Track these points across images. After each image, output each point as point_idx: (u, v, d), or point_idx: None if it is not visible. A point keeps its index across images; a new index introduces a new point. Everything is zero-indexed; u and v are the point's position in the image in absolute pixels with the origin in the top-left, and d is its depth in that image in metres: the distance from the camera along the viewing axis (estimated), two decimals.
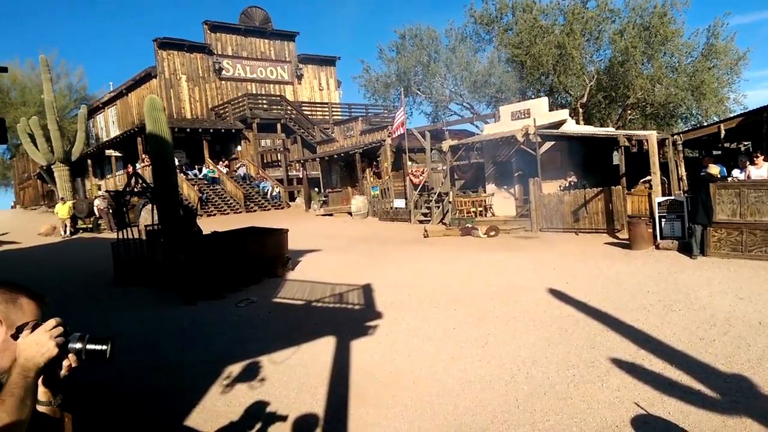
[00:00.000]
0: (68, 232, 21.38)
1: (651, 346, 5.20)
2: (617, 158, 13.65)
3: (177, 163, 18.94)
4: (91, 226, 22.24)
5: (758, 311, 5.98)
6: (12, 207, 42.77)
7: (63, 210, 21.58)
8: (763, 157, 10.44)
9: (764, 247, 8.73)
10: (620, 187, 12.94)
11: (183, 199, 19.67)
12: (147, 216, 14.57)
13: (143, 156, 25.06)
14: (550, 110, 17.04)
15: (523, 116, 16.40)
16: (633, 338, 5.43)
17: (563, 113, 16.70)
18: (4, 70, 8.30)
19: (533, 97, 23.83)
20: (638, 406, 3.97)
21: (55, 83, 29.46)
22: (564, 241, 12.67)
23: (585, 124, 22.12)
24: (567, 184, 15.30)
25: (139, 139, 25.54)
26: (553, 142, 15.53)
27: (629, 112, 27.51)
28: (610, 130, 17.68)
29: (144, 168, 23.18)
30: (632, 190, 13.06)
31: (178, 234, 9.39)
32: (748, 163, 10.60)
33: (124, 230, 10.89)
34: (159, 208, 10.48)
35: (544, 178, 14.90)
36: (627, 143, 13.22)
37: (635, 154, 14.22)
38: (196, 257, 8.90)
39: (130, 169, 24.51)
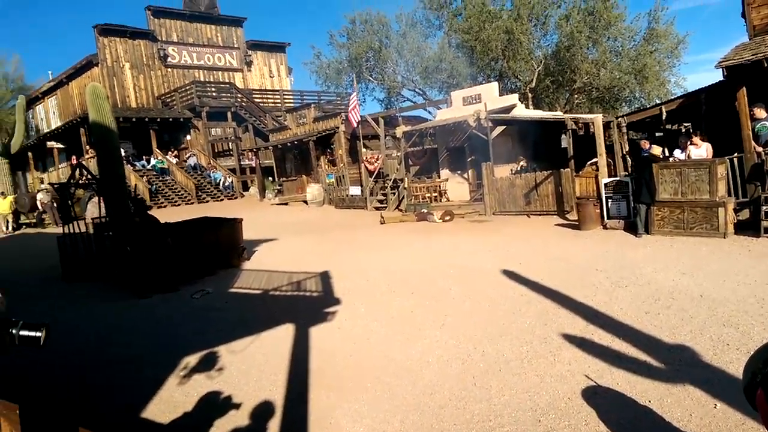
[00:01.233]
0: (11, 228, 20.47)
1: (600, 321, 5.42)
2: (565, 141, 14.03)
3: (123, 153, 18.35)
4: (34, 221, 21.32)
5: (699, 285, 6.31)
6: None
7: (4, 205, 20.62)
8: (701, 138, 10.94)
9: (704, 224, 9.18)
10: (569, 169, 13.31)
11: (131, 191, 19.10)
12: (94, 209, 14.08)
13: (87, 147, 24.15)
14: (500, 95, 17.30)
15: (474, 101, 16.60)
16: (583, 314, 5.66)
17: (513, 98, 17.00)
18: None
19: (484, 82, 24.10)
20: (588, 378, 4.16)
21: None
22: (517, 223, 12.97)
23: (534, 108, 22.57)
24: (518, 168, 15.63)
25: (82, 129, 24.57)
26: (504, 127, 15.80)
27: (576, 96, 28.20)
28: (558, 114, 18.12)
29: (89, 159, 22.33)
30: (580, 172, 13.44)
31: (127, 225, 9.14)
32: (688, 143, 11.07)
33: (70, 224, 10.51)
34: (106, 200, 10.16)
35: (496, 162, 15.16)
36: (574, 126, 13.60)
37: (582, 137, 14.64)
38: (146, 249, 8.68)
39: (75, 160, 23.55)
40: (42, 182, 27.51)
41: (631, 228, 10.30)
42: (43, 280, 10.48)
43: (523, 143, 16.33)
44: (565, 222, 12.29)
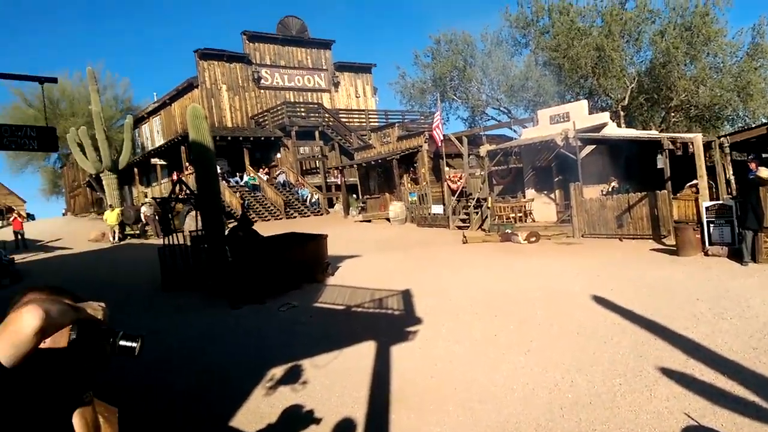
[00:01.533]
0: (116, 238, 22.09)
1: (701, 355, 5.05)
2: (661, 162, 13.31)
3: (219, 170, 19.37)
4: (138, 232, 22.93)
5: None
6: (63, 214, 44.40)
7: (111, 217, 22.33)
8: None
9: None
10: (665, 191, 12.61)
11: (225, 206, 20.08)
12: (191, 222, 14.96)
13: (186, 164, 25.73)
14: (590, 113, 16.76)
15: (562, 120, 16.17)
16: (682, 347, 5.29)
17: (604, 116, 16.40)
18: (53, 80, 8.63)
19: (572, 100, 23.45)
20: (689, 416, 3.87)
21: (102, 94, 30.49)
22: (607, 247, 12.41)
23: (627, 127, 21.67)
24: (609, 189, 15.00)
25: (182, 147, 26.21)
26: (593, 146, 15.25)
27: (673, 114, 26.78)
28: (653, 133, 17.27)
29: (188, 176, 23.78)
30: (678, 194, 12.72)
31: (230, 238, 9.51)
32: None
33: (170, 236, 11.20)
34: (202, 214, 10.75)
35: (585, 182, 14.65)
36: (671, 146, 12.89)
37: (680, 158, 13.86)
38: (247, 262, 9.00)
39: (175, 176, 25.15)
40: (146, 196, 29.57)
41: (735, 255, 9.56)
42: (144, 288, 11.21)
43: (615, 163, 15.66)
44: (662, 247, 11.61)
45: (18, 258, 17.17)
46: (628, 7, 25.03)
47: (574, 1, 26.22)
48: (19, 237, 22.89)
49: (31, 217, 45.56)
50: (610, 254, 11.27)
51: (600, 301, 7.30)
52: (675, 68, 23.44)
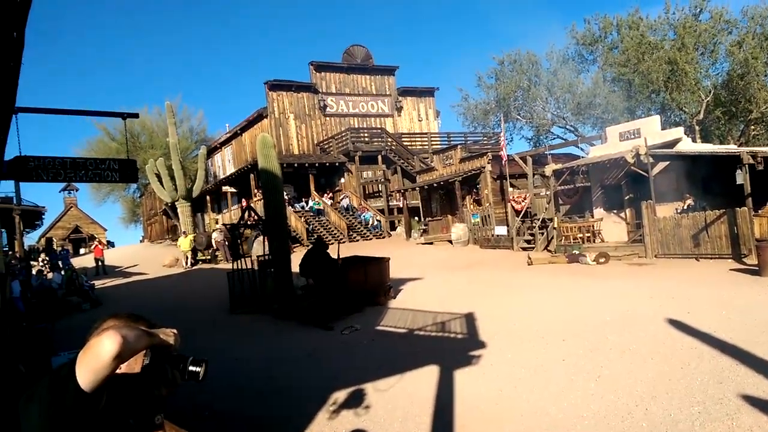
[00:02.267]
0: (189, 264, 23.09)
1: None
2: (741, 177, 12.56)
3: (286, 196, 19.95)
4: (209, 257, 23.89)
5: None
6: (141, 241, 46.96)
7: (185, 243, 23.39)
8: None
9: None
10: (745, 208, 11.88)
11: (290, 230, 20.55)
12: (258, 247, 15.42)
13: (255, 191, 26.65)
14: (662, 129, 16.12)
15: (632, 136, 15.64)
16: (767, 374, 4.91)
17: (677, 131, 15.72)
18: (135, 116, 9.20)
19: (643, 116, 22.65)
20: None
21: (179, 127, 32.24)
22: (683, 267, 11.78)
23: (702, 142, 20.65)
24: (684, 207, 14.29)
25: (252, 175, 27.19)
26: (667, 163, 14.62)
27: (753, 127, 25.33)
28: (731, 148, 16.36)
29: (256, 202, 24.61)
30: (760, 211, 11.96)
31: (314, 262, 9.58)
32: None
33: (238, 261, 11.59)
34: (270, 239, 11.07)
35: (657, 200, 14.03)
36: (752, 161, 12.16)
37: (761, 173, 13.02)
38: (331, 285, 9.09)
39: (244, 203, 26.09)
40: (216, 222, 30.81)
41: None
42: (213, 311, 11.61)
43: (690, 180, 14.91)
44: (742, 267, 10.90)
45: (98, 284, 18.27)
46: (703, 18, 24.10)
47: (644, 15, 25.54)
48: (100, 264, 24.37)
49: (111, 244, 48.40)
50: (686, 275, 10.68)
51: (676, 324, 6.92)
52: (754, 79, 22.24)
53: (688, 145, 15.25)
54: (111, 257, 29.12)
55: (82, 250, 44.57)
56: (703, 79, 24.79)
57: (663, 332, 6.69)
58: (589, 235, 16.73)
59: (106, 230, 54.08)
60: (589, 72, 29.33)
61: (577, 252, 14.76)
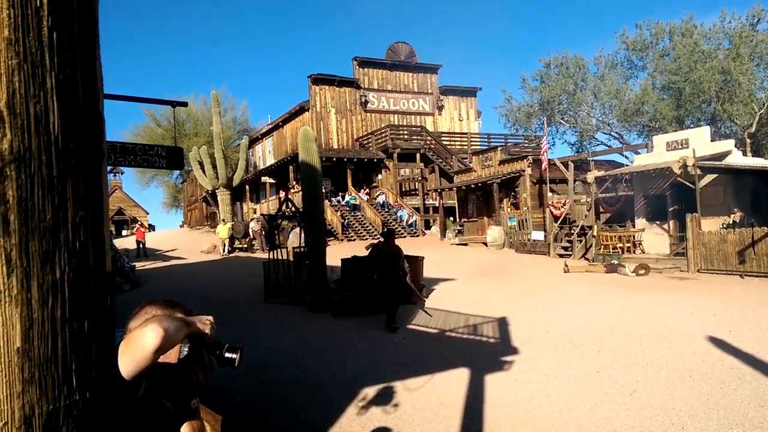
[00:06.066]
0: (226, 251, 23.52)
1: None
2: None
3: (323, 190, 20.14)
4: (246, 246, 24.28)
5: None
6: (180, 226, 48.07)
7: (223, 230, 23.84)
8: None
9: None
10: None
11: (326, 224, 20.70)
12: (294, 239, 15.61)
13: (293, 183, 26.95)
14: (711, 140, 15.62)
15: (680, 147, 15.22)
16: None
17: (728, 144, 15.22)
18: (184, 104, 9.44)
19: (692, 126, 22.01)
20: None
21: (223, 116, 32.82)
22: (727, 284, 11.40)
23: (753, 156, 19.92)
24: (731, 221, 13.83)
25: (291, 167, 27.52)
26: (715, 176, 14.16)
27: None
28: None
29: (294, 194, 24.89)
30: None
31: (377, 255, 9.11)
32: None
33: (274, 251, 11.74)
34: (306, 231, 11.18)
35: (703, 214, 13.60)
36: None
37: None
38: (391, 277, 8.83)
39: (283, 194, 26.41)
40: (255, 212, 31.30)
41: None
42: (248, 299, 11.80)
43: (739, 194, 14.42)
44: None
45: (138, 265, 18.78)
46: (760, 28, 23.23)
47: (698, 23, 24.77)
48: (141, 246, 25.06)
49: (152, 227, 49.71)
50: (729, 292, 10.33)
51: (716, 342, 6.70)
52: None
53: (738, 159, 14.75)
54: (152, 240, 29.89)
55: (124, 232, 45.95)
56: (758, 90, 23.90)
57: (703, 350, 6.50)
58: (629, 245, 16.36)
59: (148, 214, 55.62)
60: (637, 78, 28.70)
61: (616, 262, 14.44)
